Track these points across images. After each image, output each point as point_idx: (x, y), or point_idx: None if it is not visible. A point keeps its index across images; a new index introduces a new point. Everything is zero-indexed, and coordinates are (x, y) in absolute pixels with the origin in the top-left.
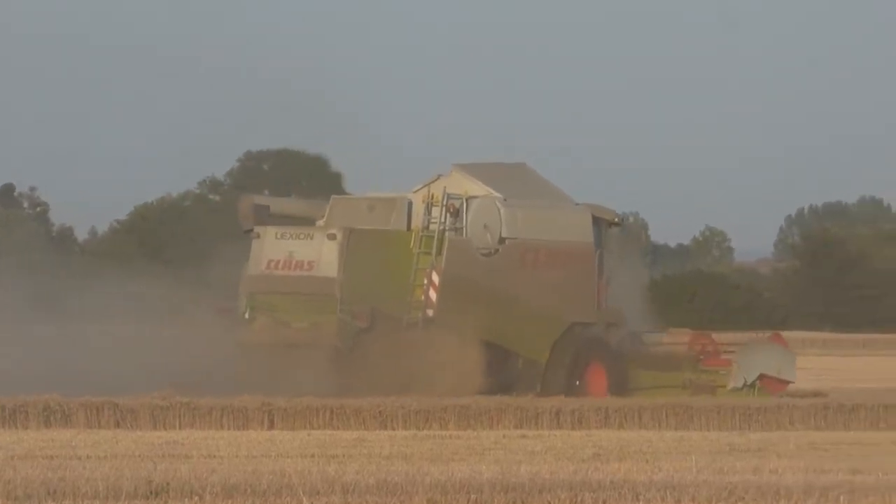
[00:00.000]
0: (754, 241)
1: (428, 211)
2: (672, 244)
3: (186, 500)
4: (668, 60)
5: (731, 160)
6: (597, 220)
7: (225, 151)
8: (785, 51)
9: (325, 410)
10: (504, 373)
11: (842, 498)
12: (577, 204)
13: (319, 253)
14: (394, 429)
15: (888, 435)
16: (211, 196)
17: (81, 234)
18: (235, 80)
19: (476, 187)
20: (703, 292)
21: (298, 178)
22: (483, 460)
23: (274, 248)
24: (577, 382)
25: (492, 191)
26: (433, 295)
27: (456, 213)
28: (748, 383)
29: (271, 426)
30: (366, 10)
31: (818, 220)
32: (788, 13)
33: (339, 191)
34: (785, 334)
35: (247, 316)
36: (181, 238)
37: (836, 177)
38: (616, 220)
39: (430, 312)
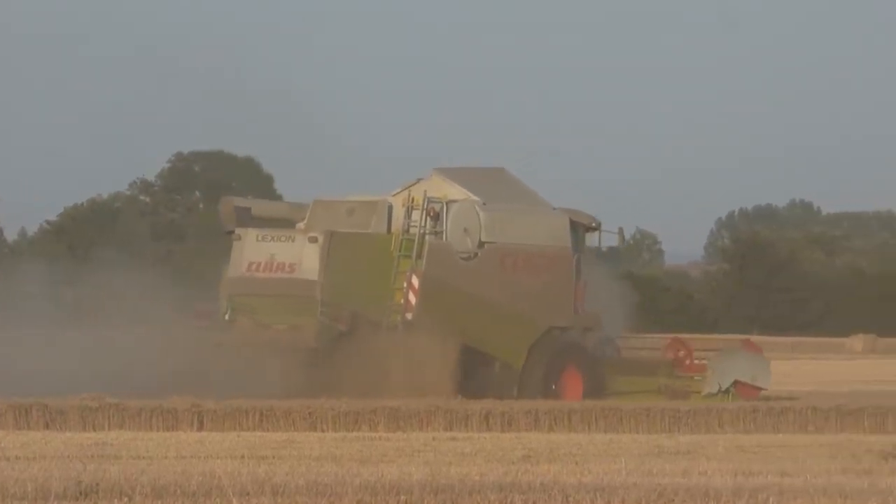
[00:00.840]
0: (685, 243)
1: (408, 214)
2: (603, 247)
3: (116, 500)
4: (600, 66)
5: (662, 164)
6: (574, 225)
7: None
8: (716, 56)
9: (255, 412)
10: (482, 376)
11: (770, 500)
12: (554, 208)
13: (300, 255)
14: (323, 430)
15: (816, 438)
16: (142, 197)
17: (11, 235)
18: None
19: (455, 191)
20: (634, 295)
21: (230, 180)
22: (413, 462)
23: (255, 251)
24: (554, 386)
25: (471, 195)
26: (413, 298)
27: (436, 217)
28: (723, 389)
29: (201, 427)
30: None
31: (748, 224)
32: (707, 16)
33: (271, 192)
34: (714, 337)
35: (227, 317)
36: (111, 239)
37: (766, 180)
38: (593, 224)
39: (409, 316)
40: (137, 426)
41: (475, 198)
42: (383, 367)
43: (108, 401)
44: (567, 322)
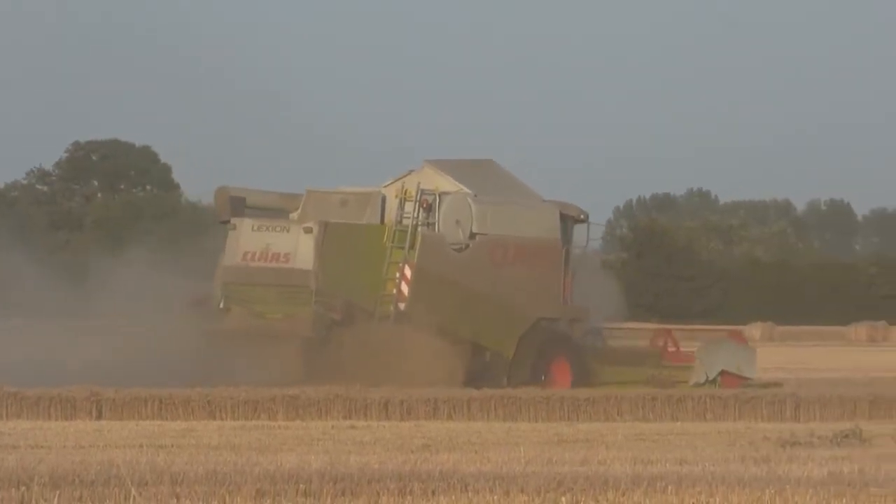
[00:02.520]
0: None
1: (401, 206)
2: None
3: (13, 490)
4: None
5: (560, 151)
6: (563, 217)
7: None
8: (614, 47)
9: (154, 401)
10: (473, 366)
11: (669, 488)
12: (544, 201)
13: (296, 245)
14: (222, 419)
15: (715, 426)
16: (39, 186)
17: None
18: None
19: (447, 183)
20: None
21: (128, 170)
22: (312, 451)
23: (250, 240)
24: (543, 377)
25: (462, 187)
26: (405, 288)
27: (429, 209)
28: (710, 379)
29: (99, 416)
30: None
31: (646, 212)
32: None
33: (168, 183)
34: (614, 325)
35: (221, 306)
36: (8, 228)
37: (664, 169)
38: (581, 216)
39: (402, 306)
40: (35, 415)
41: (466, 190)
42: (376, 357)
43: (6, 389)
44: (556, 313)
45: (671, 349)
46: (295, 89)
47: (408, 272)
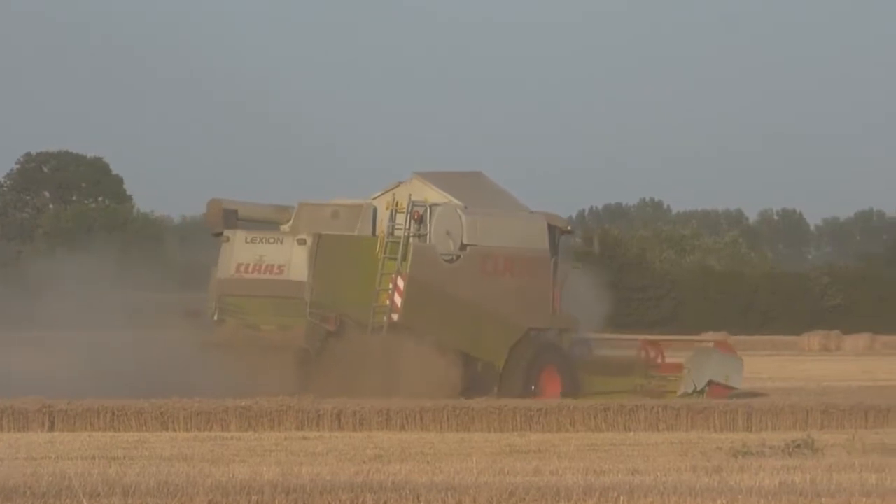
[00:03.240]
0: None
1: (392, 217)
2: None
3: None
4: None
5: (511, 161)
6: (551, 228)
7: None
8: (568, 56)
9: (106, 412)
10: (465, 376)
11: (621, 498)
12: (531, 212)
13: (289, 257)
14: (175, 430)
15: (667, 436)
16: None
17: None
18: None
19: (436, 194)
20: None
21: (79, 181)
22: (264, 462)
23: (244, 252)
24: (533, 387)
25: (452, 198)
26: (398, 299)
27: (420, 220)
28: (698, 389)
29: (51, 428)
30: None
31: (599, 222)
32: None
33: (120, 194)
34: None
35: (215, 318)
36: None
37: (616, 179)
38: (568, 228)
39: (395, 317)
40: None
41: (456, 201)
42: (370, 368)
43: None
44: (545, 323)
45: (658, 359)
46: (273, 97)
47: (400, 283)
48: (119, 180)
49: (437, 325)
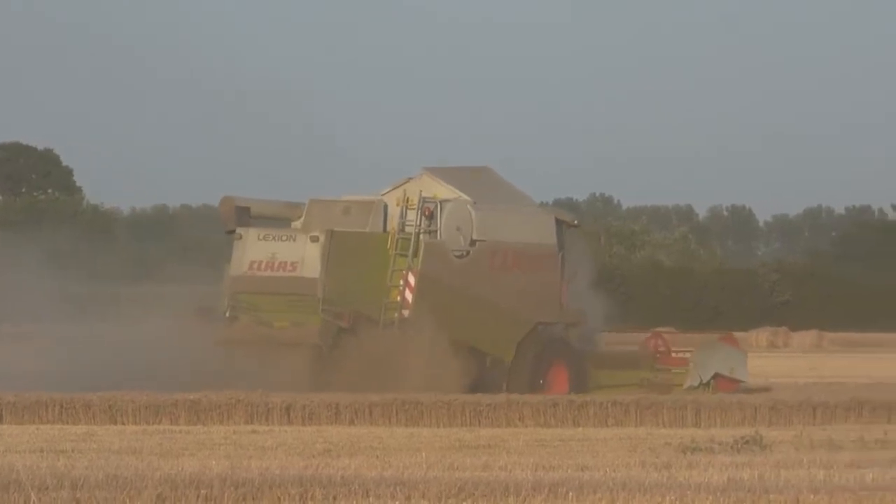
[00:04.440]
0: None
1: (403, 214)
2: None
3: None
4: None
5: (462, 155)
6: (558, 223)
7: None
8: (524, 53)
9: (54, 405)
10: (474, 371)
11: (570, 494)
12: (539, 207)
13: (302, 254)
14: (123, 423)
15: (616, 431)
16: None
17: None
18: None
19: (445, 190)
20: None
21: (29, 172)
22: (213, 455)
23: (256, 249)
24: (541, 381)
25: (461, 194)
26: (409, 296)
27: (431, 216)
28: (703, 382)
29: None
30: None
31: None
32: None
33: (70, 185)
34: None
35: (227, 315)
36: None
37: (566, 174)
38: (575, 222)
39: (405, 313)
40: None
41: (465, 197)
42: (381, 364)
43: None
44: (553, 318)
45: (664, 352)
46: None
47: (411, 280)
48: (69, 172)
49: (447, 320)
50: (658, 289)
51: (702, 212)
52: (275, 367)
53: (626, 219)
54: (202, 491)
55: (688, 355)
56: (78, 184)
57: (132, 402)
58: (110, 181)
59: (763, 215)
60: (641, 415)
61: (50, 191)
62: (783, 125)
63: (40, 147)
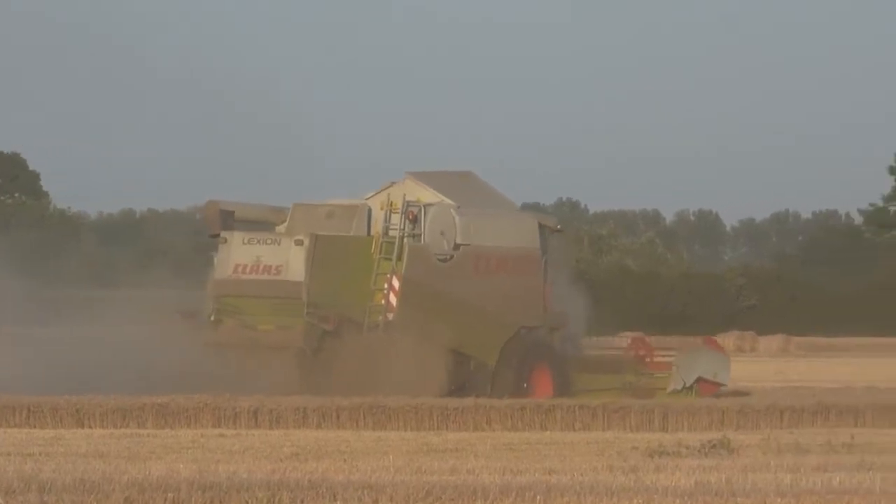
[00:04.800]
0: None
1: (387, 218)
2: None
3: None
4: None
5: (429, 161)
6: (541, 227)
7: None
8: (488, 57)
9: (22, 408)
10: (458, 374)
11: (538, 498)
12: (522, 211)
13: (287, 258)
14: (91, 427)
15: (583, 435)
16: None
17: None
18: None
19: (429, 194)
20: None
21: None
22: (181, 459)
23: (241, 253)
24: (525, 384)
25: (444, 198)
26: (393, 299)
27: (415, 220)
28: (687, 385)
29: None
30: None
31: None
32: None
33: (37, 190)
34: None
35: (212, 318)
36: None
37: (533, 179)
38: (558, 227)
39: (390, 316)
40: None
41: (448, 201)
42: (366, 367)
43: None
44: (537, 321)
45: (647, 356)
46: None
47: (395, 283)
48: (36, 176)
49: (431, 323)
50: (625, 293)
51: (669, 216)
52: (260, 371)
53: (594, 223)
54: (170, 495)
55: (671, 359)
56: (45, 188)
57: (100, 405)
58: (78, 186)
59: (730, 220)
60: (609, 419)
61: (17, 195)
62: (749, 128)
63: (7, 151)
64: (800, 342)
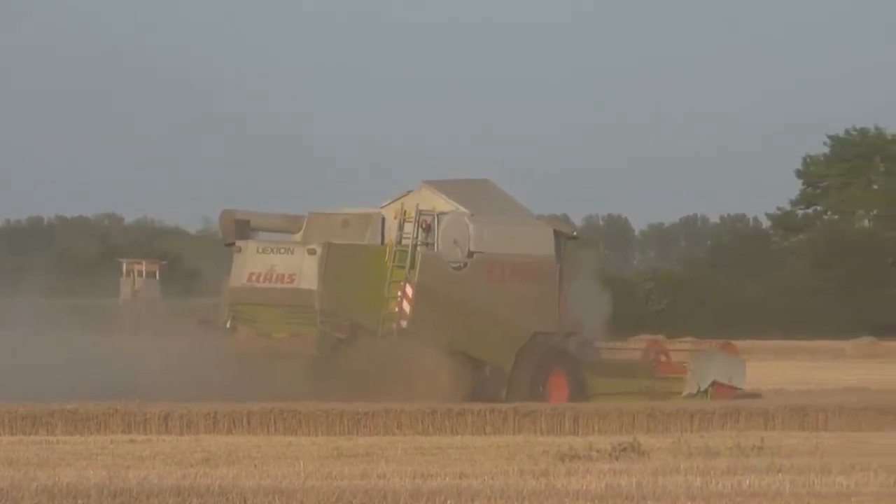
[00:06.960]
0: None
1: (400, 226)
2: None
3: None
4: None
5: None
6: (557, 235)
7: None
8: (441, 65)
9: None
10: (473, 380)
11: (448, 502)
12: (537, 218)
13: (300, 266)
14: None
15: (494, 439)
16: None
17: None
18: None
19: (444, 203)
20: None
21: None
22: (91, 465)
23: (255, 262)
24: (541, 388)
25: (459, 206)
26: (407, 307)
27: (428, 229)
28: (702, 389)
29: None
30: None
31: None
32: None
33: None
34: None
35: (227, 326)
36: None
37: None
38: (574, 234)
39: (403, 324)
40: None
41: (463, 209)
42: (380, 374)
43: None
44: (552, 328)
45: (663, 360)
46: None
47: (409, 291)
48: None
49: (445, 330)
50: None
51: (578, 221)
52: (273, 377)
53: None
54: (80, 501)
55: (686, 363)
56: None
57: (9, 412)
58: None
59: (639, 224)
60: (519, 422)
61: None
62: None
63: None
64: (709, 346)
